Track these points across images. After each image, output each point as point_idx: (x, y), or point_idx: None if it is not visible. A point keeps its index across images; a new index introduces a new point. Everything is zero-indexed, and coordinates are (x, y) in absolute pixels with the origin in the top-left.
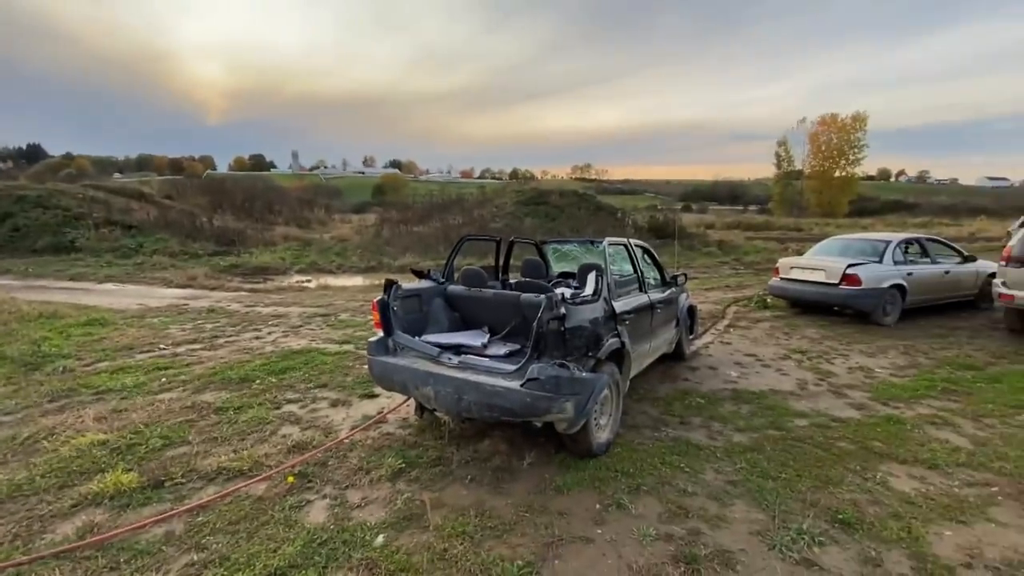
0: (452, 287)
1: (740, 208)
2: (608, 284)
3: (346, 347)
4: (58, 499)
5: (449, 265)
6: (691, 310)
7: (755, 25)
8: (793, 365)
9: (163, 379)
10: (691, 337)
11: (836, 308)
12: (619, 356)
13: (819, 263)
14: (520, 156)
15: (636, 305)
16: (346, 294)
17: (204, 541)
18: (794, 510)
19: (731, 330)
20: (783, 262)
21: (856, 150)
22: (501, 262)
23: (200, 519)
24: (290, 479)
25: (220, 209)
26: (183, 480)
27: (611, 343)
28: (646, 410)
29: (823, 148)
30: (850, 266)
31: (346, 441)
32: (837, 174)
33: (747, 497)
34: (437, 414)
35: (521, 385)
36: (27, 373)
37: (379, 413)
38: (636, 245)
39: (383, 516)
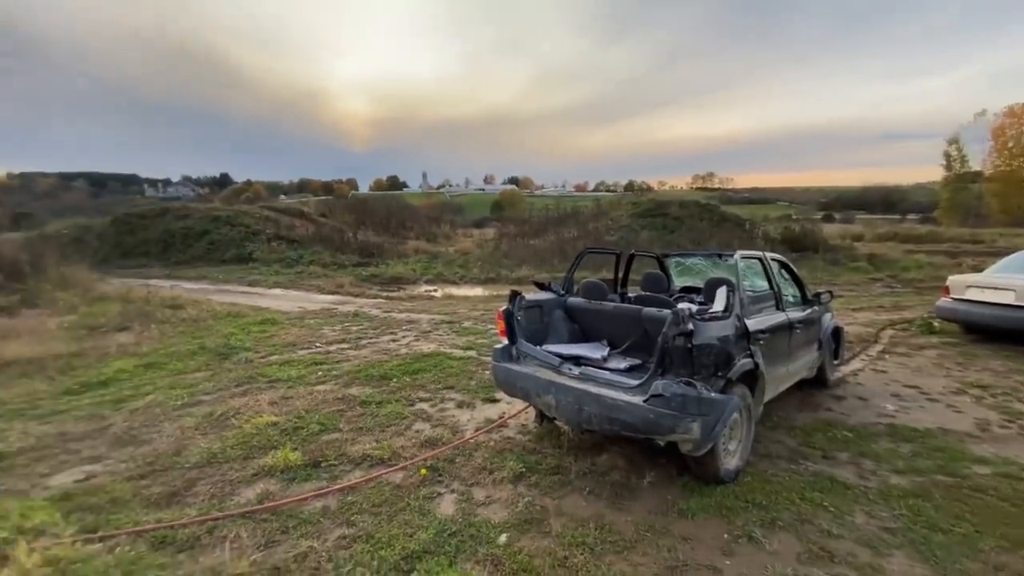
0: (572, 299)
1: (896, 217)
2: (740, 300)
3: (469, 353)
4: (243, 468)
5: (569, 278)
6: (836, 332)
7: (909, 12)
8: (970, 401)
9: (319, 373)
10: (836, 362)
11: None
12: (752, 378)
13: (1007, 282)
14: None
15: (772, 324)
16: (468, 303)
17: (353, 518)
18: (972, 571)
19: (886, 357)
20: (956, 280)
21: None
22: (621, 275)
23: (349, 498)
24: (423, 471)
25: (363, 225)
26: (335, 462)
27: (743, 363)
28: (782, 439)
29: (1010, 145)
30: None
31: (471, 441)
32: None
33: (909, 548)
34: (556, 423)
35: (644, 401)
36: (220, 361)
37: (500, 417)
38: (773, 259)
39: (505, 516)
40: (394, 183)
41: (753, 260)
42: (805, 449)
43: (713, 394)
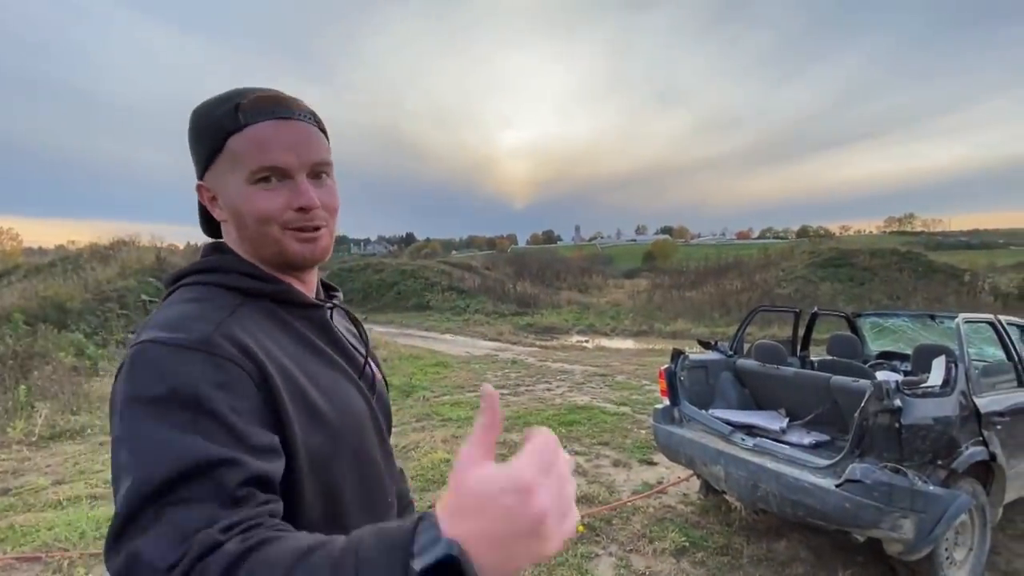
0: (742, 361)
1: None
2: (966, 372)
3: (623, 408)
4: (420, 500)
5: (739, 337)
6: None
7: None
8: None
9: None
10: None
11: None
12: (986, 471)
13: None
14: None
15: (1013, 404)
16: (620, 356)
17: None
18: None
19: None
20: None
21: None
22: (801, 336)
23: None
24: (580, 528)
25: (520, 277)
26: None
27: (973, 452)
28: None
29: None
30: None
31: (628, 504)
32: None
33: None
34: (724, 496)
35: (837, 485)
36: (403, 398)
37: (659, 483)
38: (1011, 323)
39: None
40: (549, 237)
41: (981, 324)
42: None
43: (931, 487)
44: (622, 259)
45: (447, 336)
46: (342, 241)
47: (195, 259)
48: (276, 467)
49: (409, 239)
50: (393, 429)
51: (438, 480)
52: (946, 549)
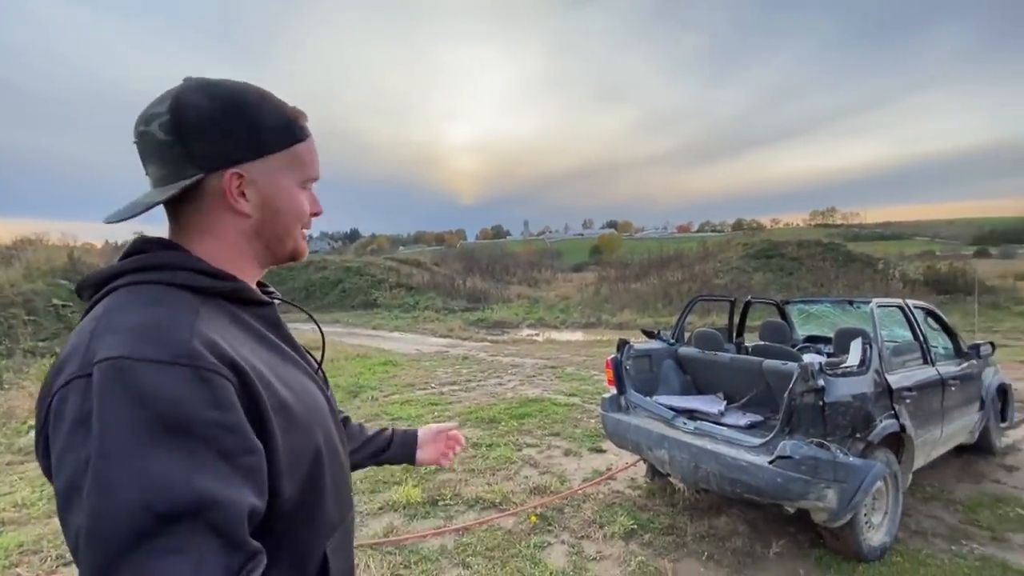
0: (683, 349)
1: None
2: (879, 353)
3: (574, 399)
4: (371, 501)
5: (679, 326)
6: (1002, 389)
7: None
8: None
9: (435, 413)
10: (1003, 425)
11: None
12: (897, 441)
13: None
14: (744, 206)
15: (919, 380)
16: (570, 348)
17: (468, 560)
18: None
19: None
20: None
21: None
22: (736, 323)
23: (464, 539)
24: (533, 519)
25: (470, 272)
26: (451, 502)
27: (886, 425)
28: (938, 514)
29: None
30: None
31: (579, 492)
32: None
33: None
34: (669, 479)
35: (770, 462)
36: (351, 398)
37: (608, 470)
38: (916, 307)
39: (617, 574)
40: (498, 232)
41: (892, 308)
42: (969, 528)
43: (851, 458)
44: (570, 253)
45: (396, 334)
46: None
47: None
48: (263, 493)
49: (354, 235)
50: None
51: (389, 481)
52: (865, 515)
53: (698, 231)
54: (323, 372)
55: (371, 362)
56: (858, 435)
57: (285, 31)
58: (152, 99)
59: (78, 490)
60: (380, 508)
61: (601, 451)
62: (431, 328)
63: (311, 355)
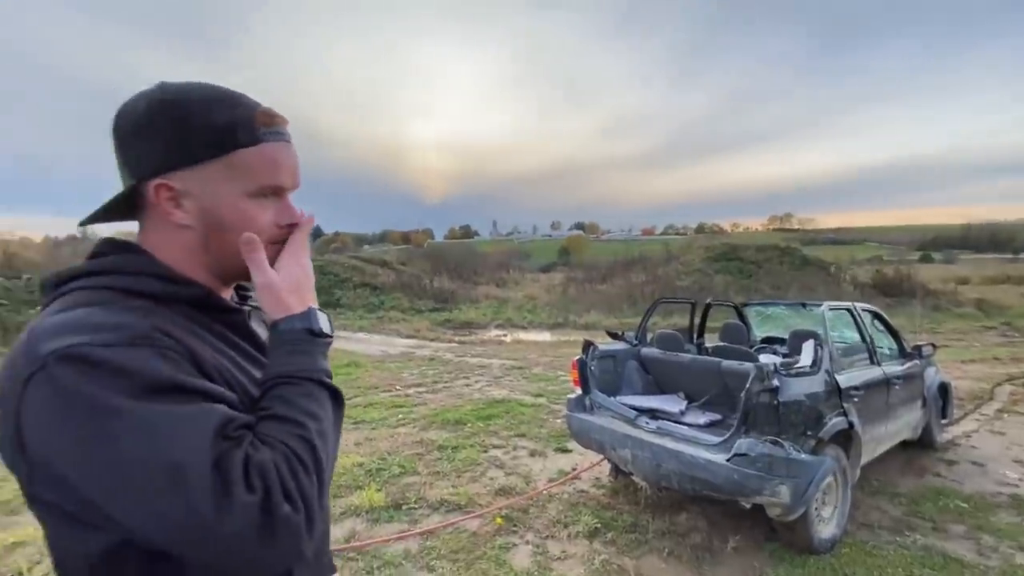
0: (646, 349)
1: (1008, 257)
2: (829, 354)
3: (540, 400)
4: (332, 507)
5: (643, 327)
6: (943, 388)
7: (999, 38)
8: None
9: (400, 416)
10: (944, 422)
11: None
12: (846, 438)
13: None
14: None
15: (866, 379)
16: (537, 349)
17: (432, 563)
18: None
19: (1005, 416)
20: None
21: None
22: (697, 324)
23: (429, 543)
24: (498, 520)
25: (438, 272)
26: (415, 505)
27: (835, 422)
28: (883, 507)
29: None
30: None
31: (544, 492)
32: None
33: None
34: (632, 477)
35: (727, 460)
36: None
37: (573, 470)
38: (864, 310)
39: (581, 573)
40: (466, 232)
41: (842, 311)
42: (912, 519)
43: (803, 455)
44: (539, 254)
45: (360, 335)
46: None
47: (84, 257)
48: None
49: (316, 232)
50: None
51: (350, 485)
52: (816, 509)
53: (662, 234)
54: None
55: (334, 364)
56: (810, 432)
57: (246, 25)
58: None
59: (100, 459)
60: (342, 513)
61: (567, 451)
62: (397, 329)
63: None
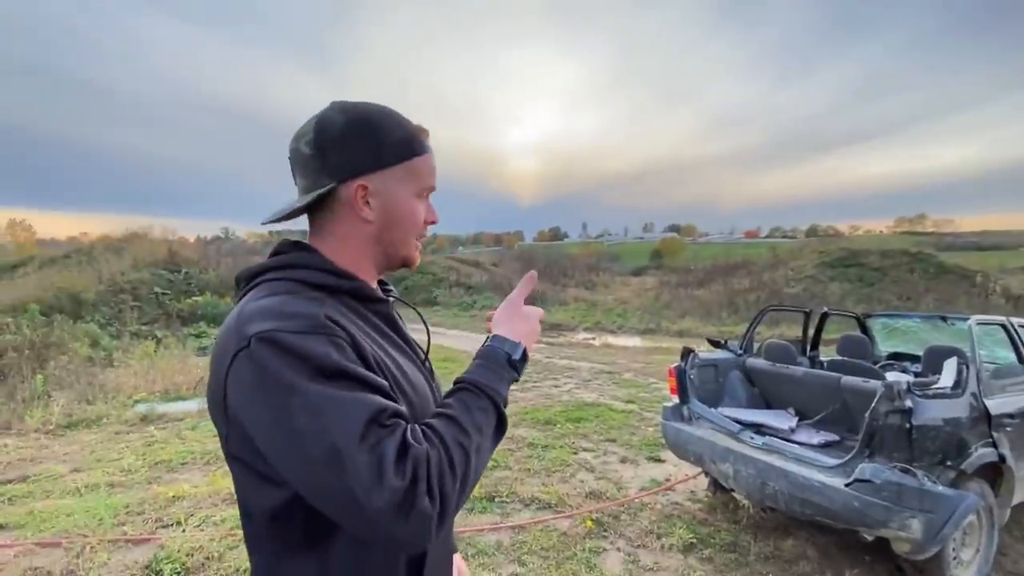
0: (752, 360)
1: None
2: (977, 374)
3: (631, 406)
4: None
5: (749, 336)
6: None
7: None
8: None
9: None
10: None
11: None
12: (994, 473)
13: None
14: (819, 211)
15: (1023, 407)
16: (627, 354)
17: (523, 558)
18: None
19: None
20: None
21: None
22: (811, 336)
23: (520, 537)
24: (588, 523)
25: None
26: (507, 499)
27: (982, 453)
28: None
29: None
30: None
31: (636, 500)
32: None
33: None
34: (733, 494)
35: (846, 484)
36: None
37: (667, 480)
38: (1022, 326)
39: None
40: (556, 234)
41: (993, 327)
42: None
43: (940, 487)
44: (629, 257)
45: (455, 332)
46: None
47: (266, 254)
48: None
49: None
50: None
51: None
52: (953, 549)
53: (767, 237)
54: (430, 364)
55: (433, 358)
56: (949, 463)
57: (350, 33)
58: (298, 124)
59: (288, 428)
60: None
61: (659, 461)
62: (489, 327)
63: (420, 348)
